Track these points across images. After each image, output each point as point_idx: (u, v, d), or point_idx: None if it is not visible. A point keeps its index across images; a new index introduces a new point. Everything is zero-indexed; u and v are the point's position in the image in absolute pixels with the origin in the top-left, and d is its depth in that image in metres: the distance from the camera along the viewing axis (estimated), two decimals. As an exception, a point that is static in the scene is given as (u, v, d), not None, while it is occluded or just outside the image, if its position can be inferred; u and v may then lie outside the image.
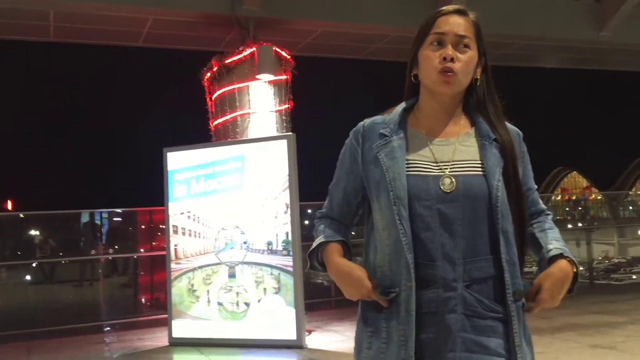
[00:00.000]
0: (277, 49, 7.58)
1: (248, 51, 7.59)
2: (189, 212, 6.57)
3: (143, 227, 10.12)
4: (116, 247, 11.31)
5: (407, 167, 1.58)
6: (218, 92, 7.79)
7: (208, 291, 6.39)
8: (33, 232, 12.94)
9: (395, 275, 1.54)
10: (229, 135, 7.56)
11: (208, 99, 7.97)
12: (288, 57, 7.78)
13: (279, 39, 8.08)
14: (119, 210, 11.31)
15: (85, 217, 10.93)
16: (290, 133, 6.92)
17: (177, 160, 6.71)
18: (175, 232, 6.64)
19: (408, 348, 1.49)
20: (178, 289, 6.58)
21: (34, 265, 12.43)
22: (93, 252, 10.88)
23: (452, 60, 1.56)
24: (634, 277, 19.63)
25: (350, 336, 6.46)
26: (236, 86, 7.62)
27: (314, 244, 1.70)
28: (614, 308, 7.79)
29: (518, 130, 1.72)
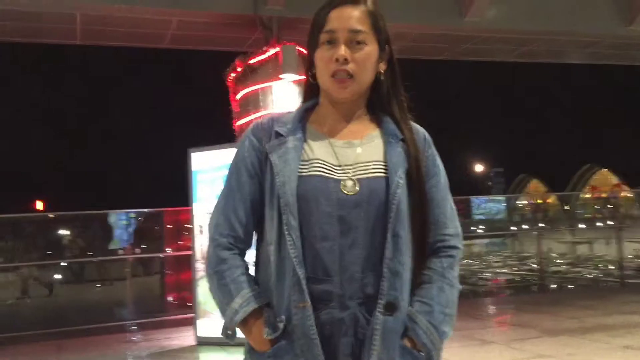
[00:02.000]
0: (301, 49, 7.58)
1: (272, 51, 7.60)
2: (214, 212, 6.60)
3: (169, 227, 10.21)
4: (143, 246, 11.45)
5: (306, 168, 1.40)
6: (242, 92, 7.82)
7: (233, 291, 6.41)
8: (62, 232, 13.18)
9: (283, 298, 1.35)
10: (253, 135, 7.57)
11: (232, 99, 8.01)
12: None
13: (303, 39, 8.06)
14: (145, 211, 11.45)
15: (112, 218, 11.10)
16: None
17: (202, 161, 6.75)
18: (201, 232, 6.68)
19: None
20: (204, 289, 6.62)
21: (63, 264, 12.66)
22: (121, 252, 11.04)
23: (345, 61, 1.40)
24: (667, 276, 19.10)
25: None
26: (260, 86, 7.64)
27: (239, 305, 1.39)
28: (645, 308, 7.62)
29: (425, 132, 1.55)
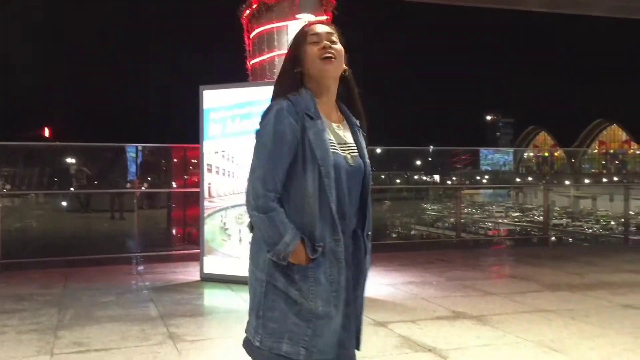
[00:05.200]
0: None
1: (288, -11, 7.38)
2: (224, 151, 6.57)
3: (177, 163, 10.21)
4: (149, 179, 11.49)
5: (330, 145, 2.01)
6: (256, 31, 7.65)
7: (240, 230, 6.46)
8: (70, 161, 13.20)
9: (322, 232, 1.97)
10: (266, 75, 7.48)
11: (246, 37, 7.84)
12: (329, -4, 7.56)
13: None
14: (154, 146, 11.42)
15: (121, 151, 11.08)
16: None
17: (214, 99, 6.66)
18: (210, 170, 6.67)
19: (336, 282, 1.99)
20: (211, 227, 6.67)
21: (71, 190, 12.75)
22: (128, 185, 11.08)
23: (330, 47, 2.05)
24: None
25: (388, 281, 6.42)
26: (275, 25, 7.47)
27: (289, 240, 1.94)
28: (647, 268, 7.67)
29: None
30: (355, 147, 2.12)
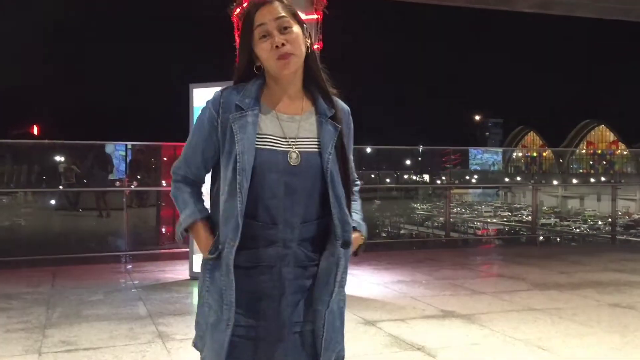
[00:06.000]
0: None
1: (279, -13, 7.36)
2: (214, 149, 6.56)
3: (167, 161, 10.18)
4: (139, 177, 11.45)
5: (260, 141, 1.78)
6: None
7: (230, 229, 6.44)
8: (58, 159, 13.12)
9: (224, 234, 1.78)
10: (257, 73, 7.44)
11: (236, 35, 7.81)
12: (320, -5, 7.53)
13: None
14: (144, 144, 11.37)
15: (110, 149, 11.03)
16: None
17: (203, 97, 6.63)
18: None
19: (229, 295, 1.76)
20: (200, 225, 6.64)
21: (60, 188, 12.67)
22: (117, 183, 11.03)
23: (283, 45, 1.77)
24: (654, 235, 19.42)
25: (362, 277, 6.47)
26: (265, 23, 7.43)
27: (185, 216, 1.87)
28: (634, 267, 7.74)
29: (347, 107, 1.97)
30: (313, 142, 1.82)
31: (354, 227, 1.90)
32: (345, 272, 1.87)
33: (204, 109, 1.87)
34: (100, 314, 5.06)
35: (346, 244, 1.83)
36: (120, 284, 6.49)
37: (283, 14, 1.80)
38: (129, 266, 7.69)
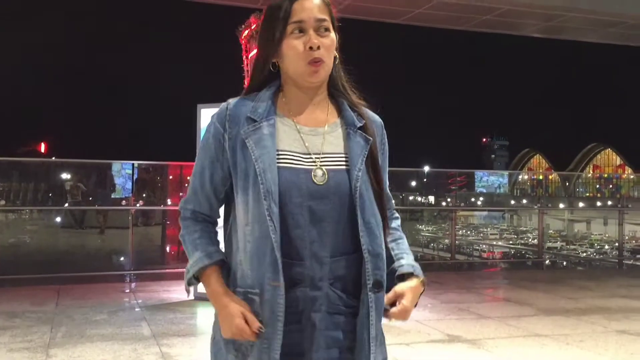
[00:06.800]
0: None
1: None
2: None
3: (173, 180, 10.21)
4: (144, 196, 11.48)
5: (277, 158, 1.47)
6: (255, 52, 7.70)
7: (235, 249, 6.43)
8: (65, 177, 13.19)
9: (258, 274, 1.45)
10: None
11: (244, 57, 7.90)
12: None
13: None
14: (150, 163, 11.43)
15: (116, 167, 11.08)
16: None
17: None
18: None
19: (272, 350, 1.42)
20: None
21: (66, 205, 12.71)
22: (124, 202, 11.06)
23: (318, 48, 1.49)
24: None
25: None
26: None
27: (193, 262, 1.54)
28: (642, 293, 7.66)
29: (380, 119, 1.67)
30: (341, 158, 1.52)
31: (410, 273, 1.59)
32: (378, 324, 1.50)
33: (208, 126, 1.56)
34: (104, 334, 5.04)
35: (378, 285, 1.48)
36: (124, 303, 6.47)
37: (324, 16, 1.52)
38: (134, 285, 7.67)
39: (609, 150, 69.44)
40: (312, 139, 1.52)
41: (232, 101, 1.55)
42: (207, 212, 1.59)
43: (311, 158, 1.49)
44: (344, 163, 1.51)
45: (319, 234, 1.46)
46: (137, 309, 6.12)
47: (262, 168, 1.44)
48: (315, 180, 1.46)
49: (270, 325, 1.43)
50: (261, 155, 1.45)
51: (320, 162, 1.49)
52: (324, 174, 1.48)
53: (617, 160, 67.52)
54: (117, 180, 11.28)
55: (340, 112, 1.58)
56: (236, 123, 1.50)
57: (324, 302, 1.47)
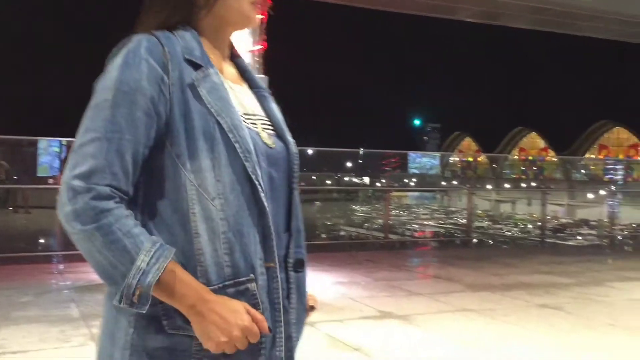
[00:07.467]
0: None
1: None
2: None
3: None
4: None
5: None
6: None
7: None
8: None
9: (244, 257, 1.13)
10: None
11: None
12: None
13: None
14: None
15: (43, 144, 10.64)
16: (263, 75, 6.77)
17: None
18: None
19: (275, 349, 1.20)
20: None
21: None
22: (51, 181, 10.66)
23: None
24: (579, 238, 20.42)
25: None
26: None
27: (147, 260, 1.04)
28: (562, 269, 8.07)
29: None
30: (269, 120, 1.29)
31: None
32: (300, 307, 1.31)
33: (131, 62, 1.11)
34: (30, 316, 4.88)
35: (300, 264, 1.28)
36: (51, 284, 6.27)
37: None
38: (62, 266, 7.43)
39: (534, 134, 72.17)
40: (241, 96, 1.27)
41: (159, 35, 1.16)
42: (125, 188, 1.10)
43: (250, 118, 1.24)
44: (271, 126, 1.29)
45: (275, 207, 1.21)
46: (65, 291, 5.95)
47: (232, 123, 1.14)
48: (267, 143, 1.23)
49: (270, 317, 1.17)
50: (223, 108, 1.15)
51: (259, 124, 1.26)
52: (268, 137, 1.25)
53: (542, 143, 70.33)
54: (44, 159, 10.85)
55: (243, 71, 1.35)
56: (177, 65, 1.14)
57: (285, 285, 1.24)
